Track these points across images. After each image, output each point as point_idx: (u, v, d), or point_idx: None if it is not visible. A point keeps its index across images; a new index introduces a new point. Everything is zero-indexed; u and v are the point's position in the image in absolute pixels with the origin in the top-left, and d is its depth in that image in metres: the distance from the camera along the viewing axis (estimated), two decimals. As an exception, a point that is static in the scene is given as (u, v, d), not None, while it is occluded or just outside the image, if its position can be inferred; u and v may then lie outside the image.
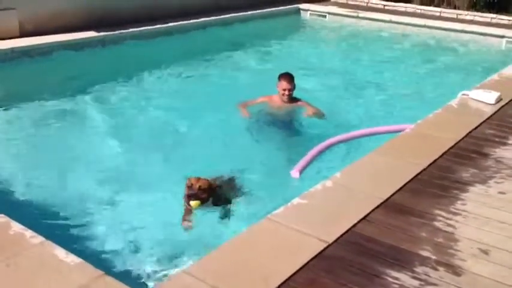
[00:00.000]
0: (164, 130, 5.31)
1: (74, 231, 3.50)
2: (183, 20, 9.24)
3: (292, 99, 5.55)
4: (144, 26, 8.60)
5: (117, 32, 8.14)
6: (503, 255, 2.85)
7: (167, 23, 8.94)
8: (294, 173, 4.35)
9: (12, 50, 7.04)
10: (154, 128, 5.36)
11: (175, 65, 7.68)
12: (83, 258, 2.71)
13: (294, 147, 5.04)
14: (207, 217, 3.71)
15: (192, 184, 3.62)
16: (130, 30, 8.33)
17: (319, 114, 5.53)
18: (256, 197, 4.00)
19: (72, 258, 2.69)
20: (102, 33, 7.98)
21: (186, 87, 6.79)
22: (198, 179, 3.65)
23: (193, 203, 3.59)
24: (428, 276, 2.66)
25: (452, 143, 4.36)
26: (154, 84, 6.83)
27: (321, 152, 4.66)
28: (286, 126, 5.42)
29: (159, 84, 6.88)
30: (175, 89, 6.71)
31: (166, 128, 5.36)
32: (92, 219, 3.64)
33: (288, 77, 5.47)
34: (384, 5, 12.08)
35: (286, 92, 5.41)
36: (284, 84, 5.41)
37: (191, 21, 9.36)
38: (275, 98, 5.59)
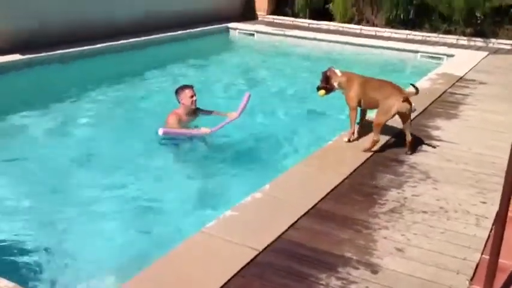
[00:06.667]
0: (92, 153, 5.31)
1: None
2: (111, 41, 9.21)
3: (197, 109, 5.59)
4: (71, 47, 8.51)
5: (43, 54, 8.02)
6: (416, 252, 3.15)
7: (94, 44, 8.89)
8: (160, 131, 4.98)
9: None
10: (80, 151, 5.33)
11: (103, 86, 7.66)
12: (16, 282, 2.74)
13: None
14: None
15: None
16: (58, 52, 8.23)
17: (233, 116, 5.58)
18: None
19: (5, 283, 2.71)
20: (27, 56, 7.84)
21: (111, 110, 6.75)
22: None
23: None
24: (350, 275, 2.90)
25: (372, 152, 4.70)
26: (79, 107, 6.78)
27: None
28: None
29: (85, 105, 6.83)
30: (102, 111, 6.67)
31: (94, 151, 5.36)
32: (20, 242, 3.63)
33: (189, 86, 5.52)
34: (309, 23, 12.62)
35: (195, 98, 5.45)
36: (189, 92, 5.43)
37: (120, 42, 9.36)
38: (180, 111, 5.48)
